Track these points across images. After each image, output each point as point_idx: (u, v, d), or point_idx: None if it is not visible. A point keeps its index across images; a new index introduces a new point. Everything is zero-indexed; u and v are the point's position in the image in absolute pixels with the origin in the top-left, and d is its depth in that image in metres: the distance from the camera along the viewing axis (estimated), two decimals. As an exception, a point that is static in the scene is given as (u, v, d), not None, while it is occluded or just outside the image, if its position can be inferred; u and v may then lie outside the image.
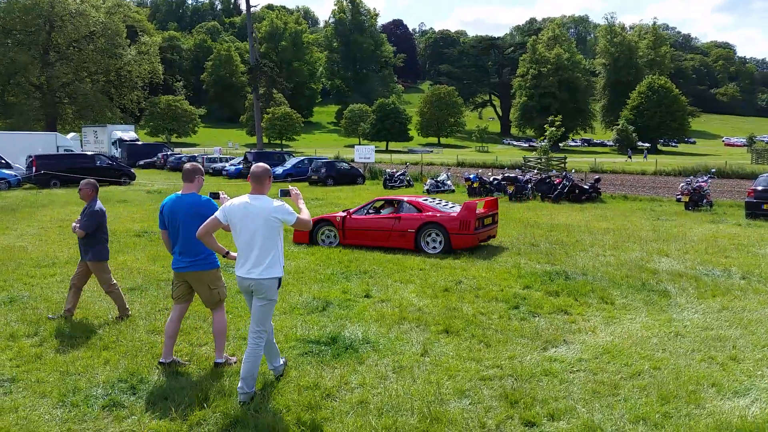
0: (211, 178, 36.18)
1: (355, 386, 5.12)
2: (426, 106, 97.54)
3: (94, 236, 7.00)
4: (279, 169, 33.10)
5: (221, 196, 5.56)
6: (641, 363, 5.70)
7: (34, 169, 27.64)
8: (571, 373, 5.47)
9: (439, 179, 25.59)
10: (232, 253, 5.16)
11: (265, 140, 77.31)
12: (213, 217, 4.88)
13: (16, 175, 28.11)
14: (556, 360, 5.76)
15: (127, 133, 47.98)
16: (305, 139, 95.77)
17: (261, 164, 4.94)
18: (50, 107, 63.83)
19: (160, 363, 5.52)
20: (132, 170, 31.53)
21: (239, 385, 4.78)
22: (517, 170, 27.47)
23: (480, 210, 11.36)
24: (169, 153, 45.59)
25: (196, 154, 44.69)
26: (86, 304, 7.77)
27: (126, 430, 4.38)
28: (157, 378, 5.29)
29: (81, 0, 63.88)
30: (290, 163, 34.42)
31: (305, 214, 4.93)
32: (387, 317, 7.11)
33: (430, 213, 11.41)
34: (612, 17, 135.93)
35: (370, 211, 12.34)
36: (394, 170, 29.50)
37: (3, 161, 29.92)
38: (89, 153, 33.12)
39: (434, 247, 11.18)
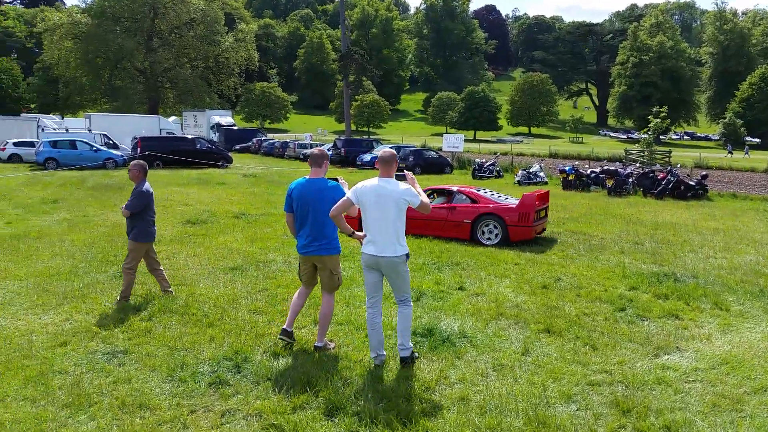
0: (303, 163, 36.98)
1: (454, 381, 5.00)
2: (517, 94, 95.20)
3: (140, 216, 7.02)
4: (367, 157, 33.31)
5: (340, 181, 5.63)
6: (766, 377, 5.22)
7: (138, 149, 29.23)
8: (686, 383, 5.10)
9: (531, 170, 24.86)
10: (358, 233, 5.22)
11: (353, 127, 78.30)
12: (345, 198, 5.10)
13: (122, 155, 29.88)
14: (669, 368, 5.38)
15: (225, 118, 49.82)
16: (392, 127, 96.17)
17: (388, 149, 5.22)
18: (153, 91, 67.45)
19: (283, 331, 5.64)
20: (229, 154, 32.72)
21: (398, 342, 5.21)
22: (617, 163, 26.16)
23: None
24: (262, 138, 47.01)
25: (288, 140, 45.77)
26: (192, 282, 8.08)
27: (232, 409, 4.47)
28: (260, 358, 5.38)
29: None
30: (379, 150, 34.54)
31: (424, 197, 5.16)
32: (483, 312, 6.92)
33: (486, 204, 11.36)
34: (722, 3, 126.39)
35: None
36: (484, 160, 28.97)
37: (111, 142, 31.92)
38: (189, 136, 34.64)
39: (489, 239, 11.12)
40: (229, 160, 31.71)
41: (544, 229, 12.12)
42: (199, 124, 48.74)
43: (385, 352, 5.35)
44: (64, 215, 14.42)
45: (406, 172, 5.30)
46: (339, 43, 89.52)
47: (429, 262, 9.63)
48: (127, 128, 35.49)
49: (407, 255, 5.15)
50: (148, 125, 37.00)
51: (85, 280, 8.22)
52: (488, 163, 27.52)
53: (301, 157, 39.23)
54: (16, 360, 5.21)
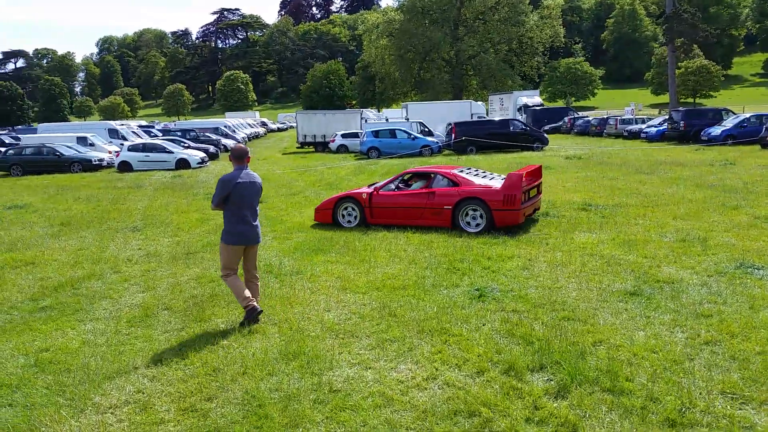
0: (628, 141, 32.28)
1: None
2: None
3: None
4: (716, 129, 27.18)
5: None
6: None
7: (453, 135, 28.27)
8: None
9: None
10: None
11: (674, 99, 68.31)
12: None
13: (437, 142, 29.35)
14: None
15: (532, 99, 47.16)
16: (723, 96, 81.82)
17: None
18: (457, 79, 68.32)
19: None
20: (545, 135, 29.89)
21: None
22: None
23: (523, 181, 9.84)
24: (575, 116, 43.14)
25: (606, 116, 41.01)
26: (582, 313, 5.46)
27: None
28: None
29: (490, -29, 66.18)
30: (730, 121, 27.94)
31: None
32: None
33: (468, 187, 10.14)
34: None
35: (400, 185, 11.00)
36: None
37: (426, 129, 31.76)
38: (497, 119, 32.82)
39: (476, 225, 9.91)
40: (545, 142, 28.86)
41: (538, 209, 10.98)
42: (506, 107, 46.94)
43: None
44: (393, 207, 13.30)
45: None
46: (653, 8, 79.42)
47: None
48: (440, 115, 35.24)
49: None
50: (460, 111, 36.27)
51: (437, 299, 6.26)
52: None
53: (625, 134, 34.41)
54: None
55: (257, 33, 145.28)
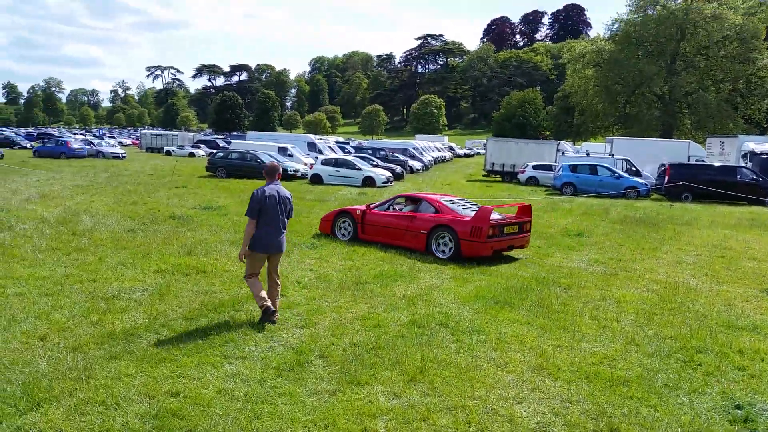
0: None
1: None
2: None
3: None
4: None
5: None
6: None
7: (666, 177, 24.87)
8: None
9: None
10: None
11: None
12: None
13: (645, 184, 26.10)
14: None
15: (761, 146, 40.77)
16: None
17: None
18: (669, 117, 62.15)
19: None
20: (782, 190, 25.12)
21: None
22: None
23: (501, 216, 10.64)
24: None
25: None
26: None
27: None
28: None
29: (719, 3, 59.73)
30: None
31: None
32: None
33: (444, 215, 10.49)
34: None
35: (394, 207, 11.54)
36: None
37: (633, 168, 28.50)
38: (727, 164, 28.44)
39: (443, 251, 10.23)
40: (777, 198, 24.24)
41: (519, 247, 10.84)
42: (727, 152, 41.08)
43: None
44: (593, 255, 11.32)
45: None
46: None
47: None
48: (650, 154, 31.63)
49: None
50: (676, 151, 32.29)
51: (677, 412, 4.43)
52: None
53: None
54: None
55: (457, 59, 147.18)
